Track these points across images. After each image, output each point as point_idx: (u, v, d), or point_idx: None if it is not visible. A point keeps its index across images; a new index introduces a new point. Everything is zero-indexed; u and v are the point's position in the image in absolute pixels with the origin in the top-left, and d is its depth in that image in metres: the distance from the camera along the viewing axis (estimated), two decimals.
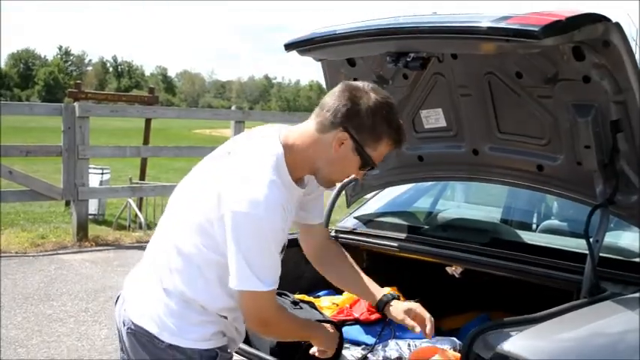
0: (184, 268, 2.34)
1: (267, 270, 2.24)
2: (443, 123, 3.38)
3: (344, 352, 3.14)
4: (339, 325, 3.12)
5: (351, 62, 3.40)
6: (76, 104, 9.94)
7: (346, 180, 3.70)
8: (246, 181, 2.21)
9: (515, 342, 2.26)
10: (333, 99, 2.31)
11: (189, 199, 2.40)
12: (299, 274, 3.58)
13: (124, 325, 2.42)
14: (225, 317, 2.40)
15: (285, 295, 3.23)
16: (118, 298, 2.57)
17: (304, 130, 2.36)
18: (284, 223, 2.27)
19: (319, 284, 3.67)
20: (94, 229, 10.34)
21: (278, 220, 2.23)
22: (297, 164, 2.33)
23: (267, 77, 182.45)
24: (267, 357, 2.91)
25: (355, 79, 3.45)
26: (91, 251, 9.27)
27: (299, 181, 2.38)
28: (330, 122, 2.29)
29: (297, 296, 3.34)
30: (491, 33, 2.55)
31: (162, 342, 2.33)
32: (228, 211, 2.19)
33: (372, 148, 2.32)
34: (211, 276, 2.32)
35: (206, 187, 2.32)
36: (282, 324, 2.42)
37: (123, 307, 2.47)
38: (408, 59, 2.92)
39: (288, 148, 2.32)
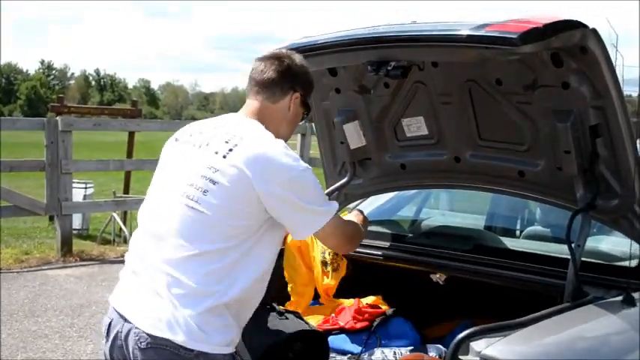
0: (197, 264, 2.34)
1: (325, 202, 2.55)
2: (424, 131, 3.40)
3: None
4: (324, 335, 3.13)
5: (333, 72, 3.42)
6: (58, 118, 9.90)
7: (328, 190, 3.72)
8: (272, 154, 2.41)
9: (498, 347, 2.27)
10: (271, 73, 2.64)
11: (194, 198, 2.39)
12: (284, 284, 3.57)
13: (139, 342, 2.33)
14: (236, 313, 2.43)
15: (271, 306, 3.22)
16: (109, 324, 2.47)
17: (257, 108, 2.64)
18: None
19: None
20: (78, 244, 10.27)
21: None
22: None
23: None
24: None
25: (337, 90, 3.49)
26: (76, 266, 9.21)
27: None
28: (280, 90, 2.64)
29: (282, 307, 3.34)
30: (471, 41, 2.58)
31: (191, 351, 2.30)
32: (276, 183, 2.37)
33: (309, 96, 2.78)
34: (230, 259, 2.36)
35: (220, 178, 2.37)
36: (357, 228, 2.84)
37: (125, 326, 2.39)
38: (389, 68, 2.94)
39: (262, 124, 2.57)
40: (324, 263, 3.52)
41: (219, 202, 2.35)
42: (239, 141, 2.41)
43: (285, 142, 2.60)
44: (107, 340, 2.48)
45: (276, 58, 2.67)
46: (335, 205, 2.59)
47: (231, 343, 2.41)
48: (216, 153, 2.40)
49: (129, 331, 2.37)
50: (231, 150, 2.39)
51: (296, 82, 2.67)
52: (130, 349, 2.37)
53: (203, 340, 2.31)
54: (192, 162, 2.46)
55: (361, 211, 3.27)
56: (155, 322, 2.32)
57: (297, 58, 2.71)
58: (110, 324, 2.48)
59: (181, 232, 2.38)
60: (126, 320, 2.40)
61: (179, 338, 2.29)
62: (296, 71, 2.67)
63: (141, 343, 2.33)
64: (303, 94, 2.70)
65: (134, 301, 2.42)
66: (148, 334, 2.32)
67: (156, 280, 2.37)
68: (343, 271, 3.55)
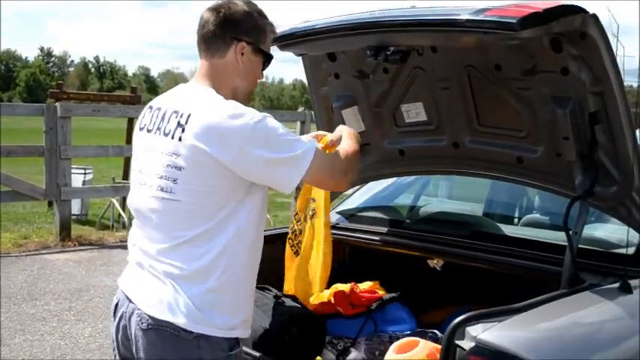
0: (189, 250, 2.33)
1: (299, 142, 2.36)
2: (423, 117, 3.39)
3: (326, 345, 3.15)
4: (321, 319, 3.14)
5: (332, 57, 3.41)
6: (57, 104, 9.89)
7: None
8: (220, 121, 2.28)
9: (495, 332, 2.27)
10: (210, 27, 2.47)
11: (167, 189, 2.35)
12: (281, 268, 3.58)
13: (141, 323, 2.34)
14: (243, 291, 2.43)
15: (267, 289, 3.23)
16: (117, 304, 2.51)
17: (206, 68, 2.51)
18: None
19: None
20: (77, 229, 10.29)
21: None
22: (224, 94, 2.44)
23: None
24: (250, 351, 2.90)
25: (336, 75, 3.48)
26: (75, 251, 9.22)
27: None
28: (223, 43, 2.47)
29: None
30: (470, 25, 2.57)
31: (191, 333, 2.29)
32: (237, 147, 2.25)
33: (263, 42, 2.54)
34: (221, 236, 2.33)
35: (193, 155, 2.29)
36: (349, 152, 2.54)
37: (129, 307, 2.41)
38: (388, 53, 2.93)
39: (215, 88, 2.46)
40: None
41: (192, 186, 2.31)
42: (188, 118, 2.32)
43: (248, 96, 2.56)
44: (114, 320, 2.51)
45: (214, 9, 2.49)
46: (312, 143, 2.41)
47: (235, 328, 2.39)
48: (172, 137, 2.33)
49: (132, 311, 2.39)
50: (183, 130, 2.31)
51: (237, 30, 2.47)
52: (133, 330, 2.39)
53: (203, 322, 2.30)
54: (155, 153, 2.40)
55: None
56: (156, 303, 2.33)
57: (239, 3, 2.49)
58: (117, 304, 2.51)
59: (166, 224, 2.38)
60: (130, 301, 2.42)
61: (180, 320, 2.29)
62: (236, 19, 2.47)
63: (142, 323, 2.34)
64: (251, 41, 2.49)
65: (138, 284, 2.44)
66: (149, 316, 2.33)
67: (155, 268, 2.38)
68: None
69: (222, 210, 2.33)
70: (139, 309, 2.37)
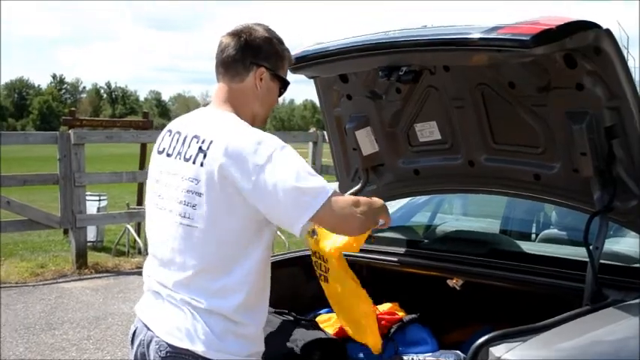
0: (206, 278, 2.33)
1: (316, 179, 2.31)
2: (437, 136, 3.38)
3: None
4: (341, 344, 3.11)
5: (344, 78, 3.41)
6: (70, 131, 9.94)
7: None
8: (242, 148, 2.28)
9: (518, 352, 2.24)
10: (231, 51, 2.49)
11: (186, 215, 2.35)
12: (299, 292, 3.56)
13: (159, 350, 2.34)
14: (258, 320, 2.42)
15: (286, 314, 3.21)
16: (134, 331, 2.51)
17: (225, 93, 2.52)
18: None
19: (319, 303, 3.64)
20: (93, 256, 10.30)
21: None
22: (244, 119, 2.45)
23: None
24: None
25: (349, 96, 3.48)
26: (91, 278, 9.23)
27: None
28: (243, 68, 2.49)
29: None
30: (483, 44, 2.57)
31: None
32: (254, 173, 2.24)
33: (281, 68, 2.58)
34: (236, 264, 2.33)
35: (212, 186, 2.29)
36: (365, 208, 2.42)
37: (147, 334, 2.41)
38: (400, 73, 2.94)
39: (234, 113, 2.47)
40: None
41: (210, 212, 2.30)
42: (210, 144, 2.32)
43: (265, 121, 2.58)
44: (132, 348, 2.51)
45: (235, 34, 2.51)
46: (332, 185, 2.37)
47: (251, 355, 2.39)
48: (194, 162, 2.34)
49: (151, 339, 2.39)
50: (205, 156, 2.31)
51: (258, 56, 2.49)
52: (152, 358, 2.38)
53: (222, 350, 2.30)
54: (175, 177, 2.40)
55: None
56: (175, 331, 2.33)
57: (259, 30, 2.51)
58: (135, 332, 2.51)
59: (184, 251, 2.37)
60: (148, 329, 2.42)
61: (198, 348, 2.29)
62: (256, 44, 2.49)
63: (161, 351, 2.34)
64: (270, 67, 2.52)
65: (156, 311, 2.43)
66: (167, 344, 2.33)
67: (173, 297, 2.38)
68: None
69: (240, 240, 2.33)
70: (157, 336, 2.37)
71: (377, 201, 2.55)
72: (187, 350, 2.30)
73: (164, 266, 2.44)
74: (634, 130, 2.70)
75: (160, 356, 2.34)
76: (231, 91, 2.50)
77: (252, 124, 2.47)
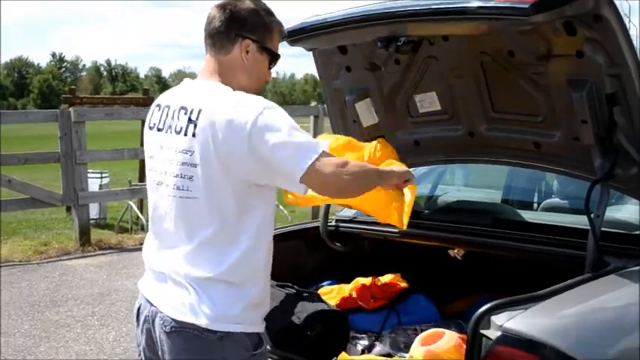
0: (208, 250, 2.33)
1: (306, 135, 2.31)
2: (437, 106, 3.37)
3: (350, 340, 3.14)
4: (344, 315, 3.12)
5: (343, 50, 3.39)
6: (71, 109, 9.91)
7: None
8: (228, 112, 2.27)
9: (520, 320, 2.25)
10: (216, 23, 2.45)
11: (184, 187, 2.34)
12: (301, 265, 3.57)
13: (164, 326, 2.35)
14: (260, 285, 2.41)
15: (289, 286, 3.22)
16: (139, 308, 2.52)
17: (213, 64, 2.49)
18: None
19: (322, 275, 3.66)
20: (96, 234, 10.32)
21: None
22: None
23: None
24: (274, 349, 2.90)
25: (348, 68, 3.47)
26: (95, 255, 9.26)
27: None
28: (228, 40, 2.45)
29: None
30: (482, 12, 2.55)
31: (215, 332, 2.29)
32: (245, 136, 2.22)
33: (269, 41, 2.52)
34: (237, 233, 2.32)
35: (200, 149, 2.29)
36: (356, 169, 2.40)
37: (152, 310, 2.42)
38: (399, 44, 2.92)
39: (222, 84, 2.43)
40: None
41: (207, 182, 2.30)
42: (199, 113, 2.31)
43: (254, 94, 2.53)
44: (137, 325, 2.53)
45: (221, 6, 2.47)
46: (323, 142, 2.39)
47: (256, 322, 2.40)
48: (185, 134, 2.33)
49: (155, 315, 2.40)
50: (195, 126, 2.30)
51: (243, 28, 2.45)
52: (157, 333, 2.39)
53: (225, 319, 2.30)
54: (169, 151, 2.39)
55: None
56: (178, 306, 2.33)
57: (246, 2, 2.47)
58: (139, 308, 2.52)
59: (185, 223, 2.37)
60: (152, 305, 2.43)
61: (202, 321, 2.29)
62: (241, 16, 2.45)
63: (165, 327, 2.35)
64: (257, 39, 2.47)
65: (159, 287, 2.44)
66: (172, 319, 2.33)
67: (177, 272, 2.37)
68: None
69: (241, 207, 2.32)
70: (161, 312, 2.37)
71: (386, 167, 2.64)
72: (192, 324, 2.30)
73: (165, 242, 2.45)
74: (635, 97, 2.68)
75: (164, 331, 2.35)
76: (219, 63, 2.48)
77: None
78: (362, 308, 3.33)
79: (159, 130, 2.46)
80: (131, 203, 11.13)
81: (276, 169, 2.27)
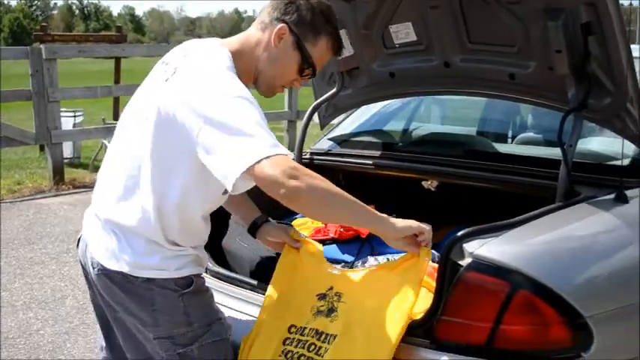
0: (136, 202, 2.30)
1: (265, 134, 2.04)
2: (413, 37, 3.33)
3: None
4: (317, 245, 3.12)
5: None
6: (42, 46, 9.74)
7: (317, 102, 3.68)
8: (204, 75, 2.17)
9: (491, 247, 2.26)
10: (272, 2, 2.36)
11: (142, 134, 2.29)
12: (273, 200, 3.55)
13: (93, 267, 2.38)
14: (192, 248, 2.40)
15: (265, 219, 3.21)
16: (79, 240, 2.55)
17: (246, 35, 2.40)
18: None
19: None
20: (70, 173, 10.26)
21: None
22: (244, 69, 2.32)
23: (237, 11, 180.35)
24: (246, 279, 2.91)
25: None
26: (69, 194, 9.22)
27: None
28: (270, 19, 2.34)
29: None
30: None
31: (137, 278, 2.30)
32: (197, 106, 2.10)
33: (312, 44, 2.36)
34: (166, 194, 2.27)
35: (163, 109, 2.22)
36: (316, 181, 2.13)
37: (87, 250, 2.44)
38: None
39: (234, 54, 2.30)
40: None
41: (156, 141, 2.24)
42: (173, 73, 2.25)
43: (269, 89, 2.41)
44: (79, 252, 2.56)
45: None
46: (282, 149, 2.05)
47: (183, 267, 2.36)
48: (157, 90, 2.28)
49: (90, 254, 2.41)
50: (166, 84, 2.25)
51: (288, 12, 2.32)
52: (89, 270, 2.43)
53: (147, 267, 2.30)
54: (144, 102, 2.35)
55: None
56: (103, 251, 2.35)
57: (317, 1, 2.35)
58: (79, 240, 2.56)
59: (117, 172, 2.37)
60: (87, 244, 2.45)
61: (124, 268, 2.30)
62: (295, 6, 2.33)
63: (94, 268, 2.38)
64: (296, 31, 2.32)
65: (92, 230, 2.45)
66: (99, 262, 2.36)
67: (108, 218, 2.37)
68: None
69: (179, 171, 2.24)
70: (91, 254, 2.40)
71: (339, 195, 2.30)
72: (115, 271, 2.31)
73: (102, 189, 2.46)
74: (610, 27, 2.66)
75: (95, 273, 2.38)
76: (249, 35, 2.39)
77: (254, 83, 2.39)
78: (334, 239, 3.34)
79: (149, 77, 2.44)
80: (105, 142, 11.03)
81: (218, 157, 2.08)
